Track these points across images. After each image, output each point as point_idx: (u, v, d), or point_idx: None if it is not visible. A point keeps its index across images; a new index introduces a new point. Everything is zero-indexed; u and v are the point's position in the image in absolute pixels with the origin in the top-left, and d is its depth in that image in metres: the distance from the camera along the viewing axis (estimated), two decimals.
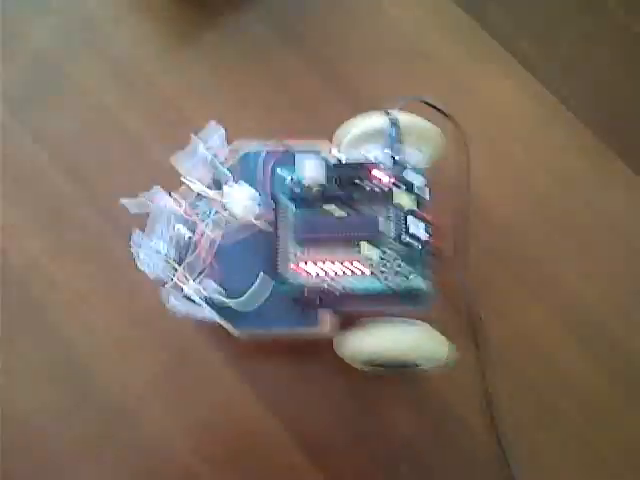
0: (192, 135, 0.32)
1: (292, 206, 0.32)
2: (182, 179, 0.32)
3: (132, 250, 0.30)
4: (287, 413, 0.35)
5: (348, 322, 0.32)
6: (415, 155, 0.33)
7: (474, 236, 0.36)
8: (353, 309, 0.31)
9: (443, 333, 0.32)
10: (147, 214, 0.31)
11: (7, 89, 0.40)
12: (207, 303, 0.30)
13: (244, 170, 0.33)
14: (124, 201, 0.31)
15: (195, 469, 0.34)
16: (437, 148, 0.33)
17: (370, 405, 0.35)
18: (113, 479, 0.34)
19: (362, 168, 0.32)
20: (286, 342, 0.35)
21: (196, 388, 0.35)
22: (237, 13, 0.42)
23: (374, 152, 0.32)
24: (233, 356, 0.36)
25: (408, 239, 0.31)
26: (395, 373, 0.33)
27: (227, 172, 0.32)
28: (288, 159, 0.33)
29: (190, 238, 0.31)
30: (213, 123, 0.32)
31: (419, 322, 0.31)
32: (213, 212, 0.32)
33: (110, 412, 0.35)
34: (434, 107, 0.33)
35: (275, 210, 0.32)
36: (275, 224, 0.32)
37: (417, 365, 0.32)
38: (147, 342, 0.36)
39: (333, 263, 0.31)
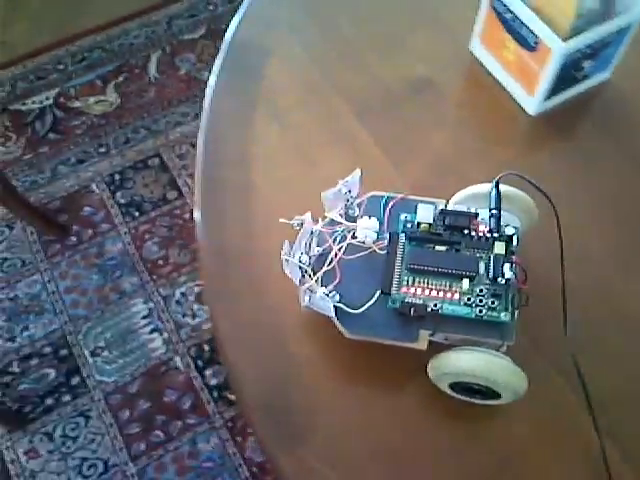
0: (339, 181, 0.42)
1: (404, 239, 0.40)
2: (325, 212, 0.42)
3: (281, 257, 0.40)
4: None
5: (441, 349, 0.39)
6: (511, 218, 0.40)
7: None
8: (447, 332, 0.39)
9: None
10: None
11: None
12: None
13: (371, 207, 0.42)
14: (282, 220, 0.42)
15: None
16: (531, 217, 0.41)
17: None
18: None
19: (466, 216, 0.40)
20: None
21: None
22: None
23: (479, 210, 0.40)
24: None
25: (503, 281, 0.37)
26: (476, 399, 0.39)
27: (356, 207, 0.42)
28: (406, 204, 0.42)
29: (320, 252, 0.41)
30: (356, 171, 0.42)
31: (502, 355, 0.37)
32: (343, 236, 0.41)
33: None
34: (530, 182, 0.39)
35: (390, 241, 0.40)
36: (389, 251, 0.40)
37: (499, 395, 0.38)
38: None
39: (436, 291, 0.39)
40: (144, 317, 1.06)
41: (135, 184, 1.19)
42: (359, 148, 0.52)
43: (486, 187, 0.40)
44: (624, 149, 0.52)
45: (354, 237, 0.41)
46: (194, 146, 1.22)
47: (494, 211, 0.39)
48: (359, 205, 0.42)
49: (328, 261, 0.40)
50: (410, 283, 0.39)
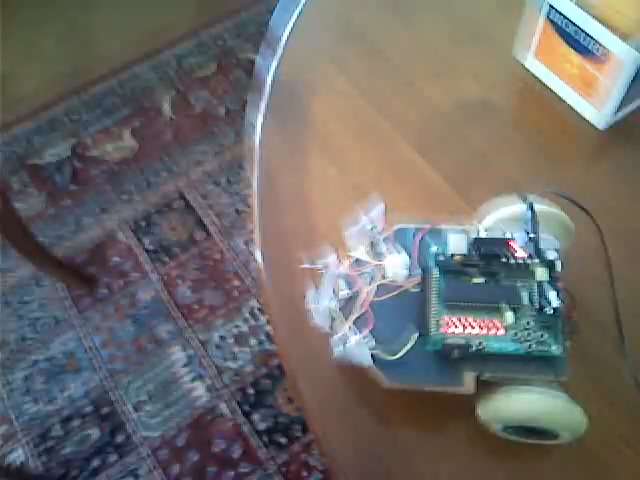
0: (361, 214, 0.39)
1: (437, 273, 0.36)
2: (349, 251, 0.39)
3: (308, 307, 0.37)
4: None
5: (490, 388, 0.35)
6: (549, 239, 0.37)
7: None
8: (495, 372, 0.35)
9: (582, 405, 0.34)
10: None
11: None
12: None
13: (399, 241, 0.38)
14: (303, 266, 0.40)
15: None
16: (568, 235, 0.38)
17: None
18: None
19: (501, 242, 0.36)
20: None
21: None
22: None
23: (514, 232, 0.36)
24: None
25: (551, 311, 0.34)
26: (532, 440, 0.36)
27: (382, 243, 0.38)
28: (436, 234, 0.38)
29: (349, 295, 0.37)
30: (379, 204, 0.39)
31: (557, 392, 0.34)
32: (372, 276, 0.38)
33: None
34: (570, 200, 0.36)
35: (423, 276, 0.37)
36: (423, 289, 0.36)
37: (556, 435, 0.34)
38: None
39: (479, 328, 0.35)
40: (184, 365, 1.03)
41: (161, 228, 1.16)
42: (422, 181, 0.49)
43: (517, 208, 0.37)
44: None
45: (384, 277, 0.37)
46: (217, 184, 1.20)
47: (532, 235, 0.35)
48: (386, 240, 0.39)
49: (359, 305, 0.37)
50: (449, 322, 0.35)
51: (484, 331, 0.35)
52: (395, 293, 0.37)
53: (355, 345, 0.36)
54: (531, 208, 0.36)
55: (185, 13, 1.43)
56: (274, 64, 0.57)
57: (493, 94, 0.53)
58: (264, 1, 1.41)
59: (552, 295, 0.34)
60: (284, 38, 0.58)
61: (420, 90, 0.53)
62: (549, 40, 0.50)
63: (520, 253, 0.36)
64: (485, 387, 0.35)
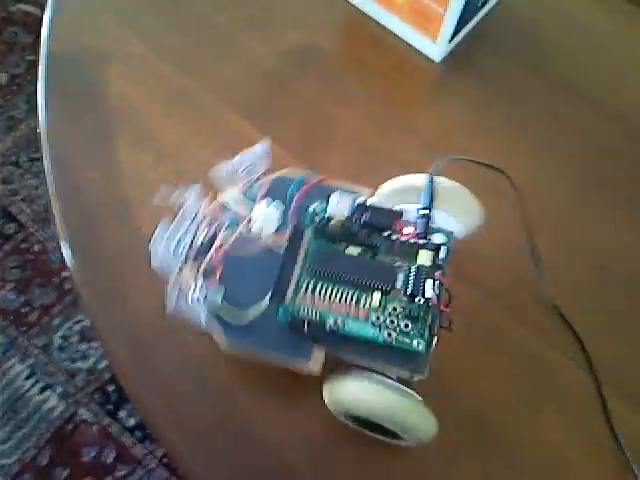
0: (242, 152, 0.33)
1: (310, 234, 0.32)
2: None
3: (150, 246, 0.31)
4: None
5: (342, 371, 0.31)
6: (449, 221, 0.32)
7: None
8: (347, 355, 0.31)
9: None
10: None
11: None
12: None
13: (276, 191, 0.33)
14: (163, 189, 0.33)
15: None
16: (473, 217, 0.33)
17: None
18: None
19: (389, 216, 0.31)
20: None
21: None
22: None
23: (407, 208, 0.32)
24: None
25: (422, 301, 0.30)
26: (378, 436, 0.32)
27: (258, 190, 0.33)
28: (321, 192, 0.32)
29: (203, 244, 0.31)
30: (263, 144, 0.33)
31: (412, 392, 0.30)
32: (235, 222, 0.32)
33: None
34: (484, 164, 0.33)
35: (292, 235, 0.32)
36: (289, 249, 0.32)
37: (398, 436, 0.30)
38: None
39: (340, 304, 0.30)
40: (27, 377, 0.91)
41: None
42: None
43: (421, 179, 0.33)
44: (538, 72, 0.46)
45: (249, 228, 0.32)
46: (17, 165, 1.04)
47: (424, 211, 0.31)
48: (262, 189, 0.33)
49: (211, 254, 0.31)
50: (310, 290, 0.30)
51: (343, 309, 0.30)
52: (256, 249, 0.31)
53: (194, 298, 0.30)
54: (430, 180, 0.31)
55: None
56: (45, 31, 0.46)
57: (318, 39, 0.46)
58: None
59: (428, 284, 0.30)
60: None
61: (235, 47, 0.46)
62: None
63: (407, 230, 0.31)
64: (339, 370, 0.31)
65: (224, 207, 0.32)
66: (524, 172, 0.38)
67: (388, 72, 0.45)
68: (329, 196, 0.32)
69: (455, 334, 0.30)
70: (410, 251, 0.31)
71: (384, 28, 0.46)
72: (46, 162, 0.40)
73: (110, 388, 0.91)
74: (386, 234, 0.31)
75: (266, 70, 0.45)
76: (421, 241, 0.31)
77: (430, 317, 0.30)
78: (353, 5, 0.47)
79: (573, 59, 0.46)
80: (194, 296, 0.30)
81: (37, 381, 0.91)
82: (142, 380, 0.35)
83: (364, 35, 0.47)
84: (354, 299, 0.30)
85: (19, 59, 1.13)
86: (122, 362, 0.36)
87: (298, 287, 0.31)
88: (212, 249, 0.31)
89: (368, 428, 0.32)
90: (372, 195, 0.34)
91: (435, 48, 0.45)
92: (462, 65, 0.46)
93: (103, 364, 0.92)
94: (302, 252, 0.31)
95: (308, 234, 0.32)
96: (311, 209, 0.32)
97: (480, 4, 0.44)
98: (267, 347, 0.31)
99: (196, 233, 0.31)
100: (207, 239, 0.31)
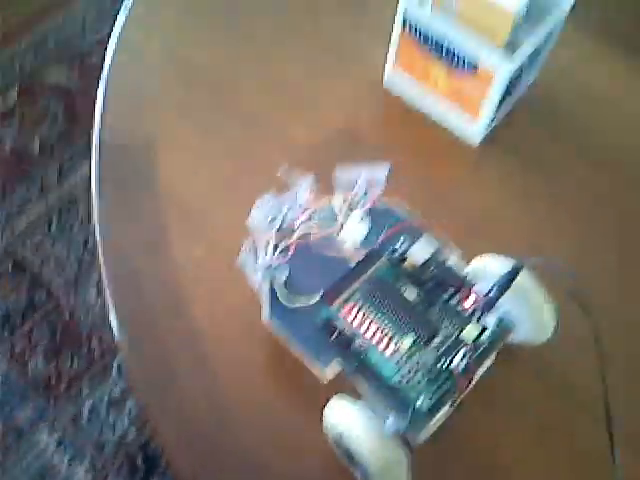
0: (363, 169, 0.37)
1: (384, 264, 0.34)
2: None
3: (254, 206, 0.36)
4: None
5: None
6: (518, 316, 0.33)
7: None
8: (358, 380, 0.32)
9: None
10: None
11: None
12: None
13: (375, 213, 0.37)
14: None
15: None
16: (543, 327, 0.34)
17: None
18: None
19: (455, 279, 0.33)
20: None
21: None
22: None
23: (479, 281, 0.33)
24: None
25: (445, 366, 0.31)
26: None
27: (361, 206, 0.37)
28: (413, 232, 0.36)
29: (295, 226, 0.36)
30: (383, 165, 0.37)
31: (399, 444, 0.30)
32: (328, 223, 0.36)
33: None
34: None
35: (368, 256, 0.35)
36: (359, 266, 0.34)
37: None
38: None
39: (375, 331, 0.32)
40: (56, 449, 0.90)
41: None
42: None
43: (505, 265, 0.33)
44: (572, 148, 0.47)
45: (338, 233, 0.36)
46: (47, 232, 1.05)
47: (491, 294, 0.32)
48: (366, 205, 0.37)
49: (294, 236, 0.36)
50: (356, 308, 0.33)
51: (376, 337, 0.32)
52: (333, 251, 0.36)
53: (263, 264, 0.34)
54: (515, 272, 0.32)
55: None
56: (98, 112, 0.47)
57: (358, 123, 0.47)
58: (64, 6, 1.24)
59: (458, 357, 0.31)
60: (105, 75, 0.48)
61: (280, 127, 0.47)
62: (411, 55, 0.45)
63: (469, 301, 0.33)
64: (347, 395, 0.32)
65: (328, 206, 0.37)
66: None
67: (427, 154, 0.46)
68: (417, 236, 0.35)
69: None
70: (461, 319, 0.32)
71: (425, 114, 0.47)
72: (100, 249, 0.41)
73: (139, 460, 0.90)
74: (447, 295, 0.33)
75: (310, 154, 0.46)
76: (476, 315, 0.32)
77: (446, 386, 0.30)
78: (397, 93, 0.48)
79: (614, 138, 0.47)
80: (264, 262, 0.34)
81: (65, 453, 0.90)
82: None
83: (407, 120, 0.48)
84: (389, 334, 0.32)
85: (51, 128, 1.16)
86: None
87: (348, 300, 0.33)
88: (298, 233, 0.35)
89: (352, 463, 0.32)
90: (455, 255, 0.35)
91: (475, 129, 0.45)
92: (500, 145, 0.46)
93: (131, 436, 0.91)
94: (368, 273, 0.34)
95: (382, 262, 0.34)
96: (399, 243, 0.35)
97: (516, 88, 0.45)
98: (298, 336, 0.34)
99: (291, 214, 0.36)
100: (300, 224, 0.36)
